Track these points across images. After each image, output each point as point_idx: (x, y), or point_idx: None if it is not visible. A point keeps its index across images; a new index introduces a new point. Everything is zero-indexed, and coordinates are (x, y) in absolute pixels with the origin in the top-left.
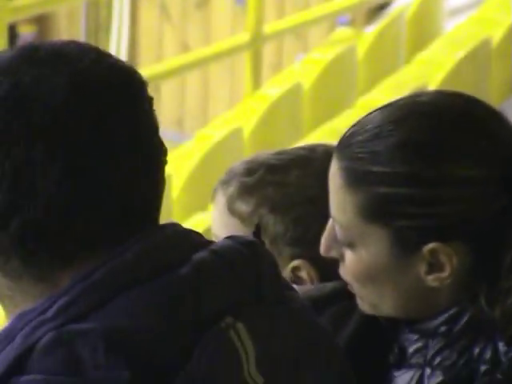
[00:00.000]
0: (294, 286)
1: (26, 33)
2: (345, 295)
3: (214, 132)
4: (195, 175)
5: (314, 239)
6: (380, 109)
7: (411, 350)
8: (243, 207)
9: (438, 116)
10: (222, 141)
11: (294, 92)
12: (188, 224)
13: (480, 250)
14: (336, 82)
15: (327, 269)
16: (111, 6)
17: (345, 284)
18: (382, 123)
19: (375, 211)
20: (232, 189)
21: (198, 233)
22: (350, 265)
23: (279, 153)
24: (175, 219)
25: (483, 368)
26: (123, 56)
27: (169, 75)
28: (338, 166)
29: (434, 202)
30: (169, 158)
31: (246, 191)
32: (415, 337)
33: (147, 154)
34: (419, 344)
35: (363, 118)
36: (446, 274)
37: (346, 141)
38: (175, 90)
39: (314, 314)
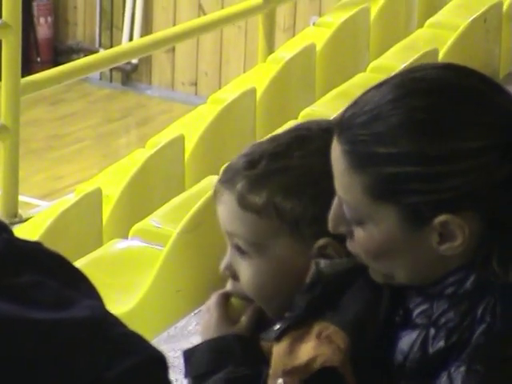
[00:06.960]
0: (323, 260)
1: (40, 1)
2: None
3: (228, 94)
4: (207, 136)
5: None
6: (376, 87)
7: (416, 311)
8: (256, 200)
9: (436, 92)
10: (234, 101)
11: (307, 54)
12: (200, 186)
13: (490, 217)
14: (348, 45)
15: None
16: None
17: None
18: (380, 103)
19: (383, 190)
20: (239, 185)
21: None
22: (362, 241)
23: (274, 139)
24: (187, 181)
25: (481, 329)
26: (138, 18)
27: (183, 37)
28: (341, 149)
29: (441, 177)
30: (182, 119)
31: (254, 184)
32: (420, 299)
33: None
34: (424, 306)
35: (360, 98)
36: (458, 242)
37: (346, 123)
38: (190, 53)
39: None
